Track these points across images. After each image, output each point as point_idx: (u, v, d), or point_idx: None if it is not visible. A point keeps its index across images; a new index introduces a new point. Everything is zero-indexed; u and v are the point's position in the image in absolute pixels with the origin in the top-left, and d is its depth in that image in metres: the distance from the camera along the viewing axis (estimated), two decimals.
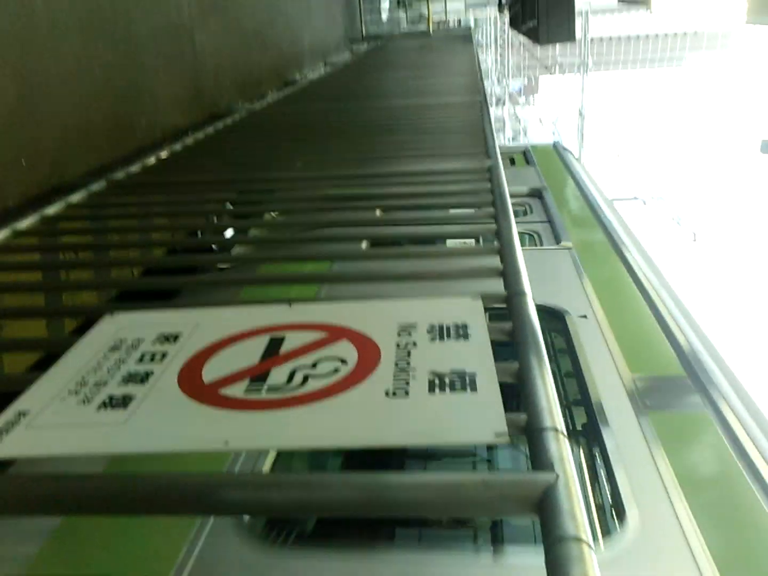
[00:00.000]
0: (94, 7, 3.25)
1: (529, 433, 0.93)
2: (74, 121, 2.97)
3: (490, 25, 27.65)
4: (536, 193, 3.76)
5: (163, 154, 3.02)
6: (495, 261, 1.58)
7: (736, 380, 1.98)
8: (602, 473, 1.71)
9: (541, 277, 2.57)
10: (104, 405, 1.05)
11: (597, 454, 1.79)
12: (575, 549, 0.72)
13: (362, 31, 12.81)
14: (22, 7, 2.71)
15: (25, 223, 2.07)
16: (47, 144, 2.76)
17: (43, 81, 2.79)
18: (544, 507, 0.79)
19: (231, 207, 2.24)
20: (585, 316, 2.24)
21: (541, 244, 3.11)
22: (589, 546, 0.73)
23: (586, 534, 0.74)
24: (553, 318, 2.33)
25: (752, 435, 1.74)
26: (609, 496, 1.59)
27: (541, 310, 2.13)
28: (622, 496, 1.52)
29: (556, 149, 5.04)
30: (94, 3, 3.25)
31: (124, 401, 1.06)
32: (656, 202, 15.23)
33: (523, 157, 4.89)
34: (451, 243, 2.49)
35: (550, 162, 4.62)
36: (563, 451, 0.87)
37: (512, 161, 4.90)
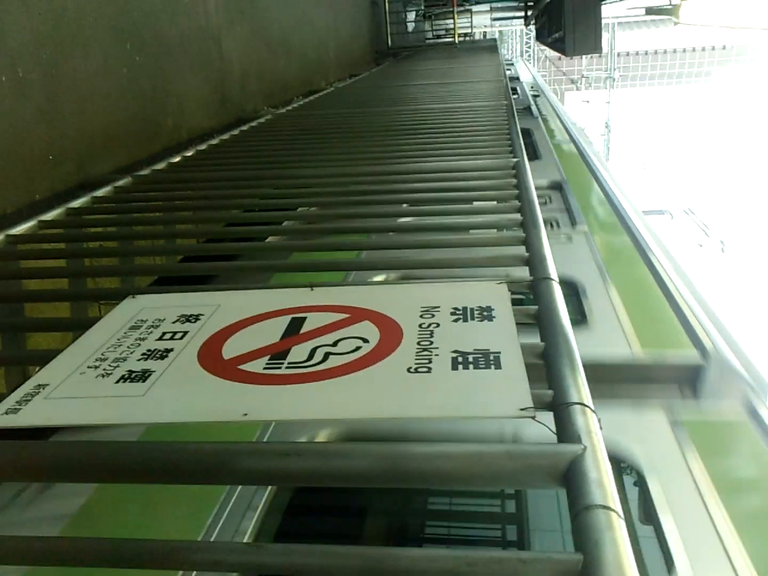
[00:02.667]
0: (123, 9, 3.29)
1: (555, 408, 0.90)
2: (101, 120, 3.00)
3: (515, 38, 27.70)
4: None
5: (189, 153, 3.04)
6: (520, 250, 1.56)
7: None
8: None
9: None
10: (123, 379, 1.04)
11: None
12: (603, 517, 0.69)
13: (388, 43, 12.87)
14: (53, 7, 2.75)
15: (50, 214, 2.09)
16: (74, 141, 2.78)
17: (71, 80, 2.83)
18: (571, 478, 0.76)
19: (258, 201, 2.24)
20: None
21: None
22: (618, 515, 0.70)
23: (614, 503, 0.71)
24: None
25: None
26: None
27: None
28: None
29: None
30: (123, 5, 3.29)
31: (143, 375, 1.05)
32: (684, 215, 15.07)
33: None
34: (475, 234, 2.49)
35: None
36: (590, 425, 0.84)
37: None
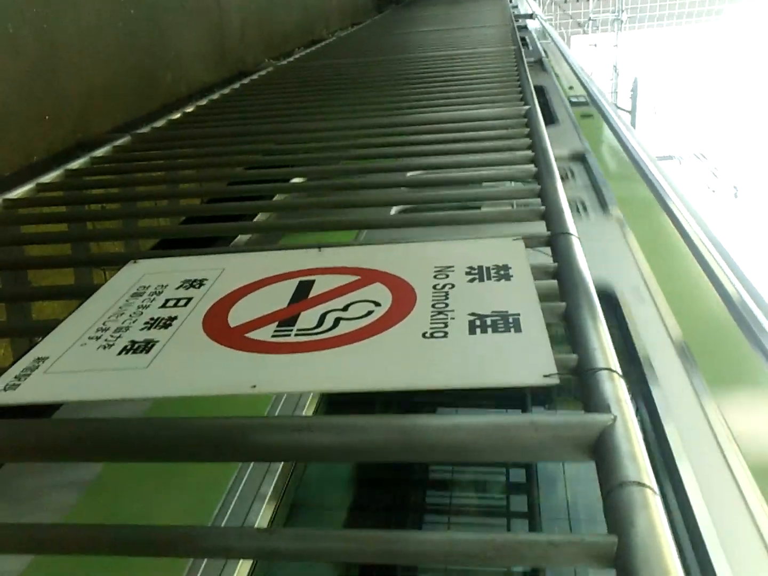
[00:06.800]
0: None
1: (581, 374, 0.85)
2: (97, 76, 2.91)
3: None
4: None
5: (189, 109, 2.95)
6: (536, 203, 1.49)
7: None
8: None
9: None
10: (125, 350, 1.00)
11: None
12: (638, 494, 0.65)
13: None
14: None
15: (49, 177, 2.03)
16: (71, 99, 2.70)
17: (65, 36, 2.73)
18: (601, 450, 0.72)
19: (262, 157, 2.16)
20: None
21: None
22: (653, 491, 0.65)
23: (649, 478, 0.66)
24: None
25: None
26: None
27: None
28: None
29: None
30: None
31: (147, 346, 1.00)
32: (694, 160, 14.81)
33: None
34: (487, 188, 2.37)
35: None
36: (620, 392, 0.79)
37: None
